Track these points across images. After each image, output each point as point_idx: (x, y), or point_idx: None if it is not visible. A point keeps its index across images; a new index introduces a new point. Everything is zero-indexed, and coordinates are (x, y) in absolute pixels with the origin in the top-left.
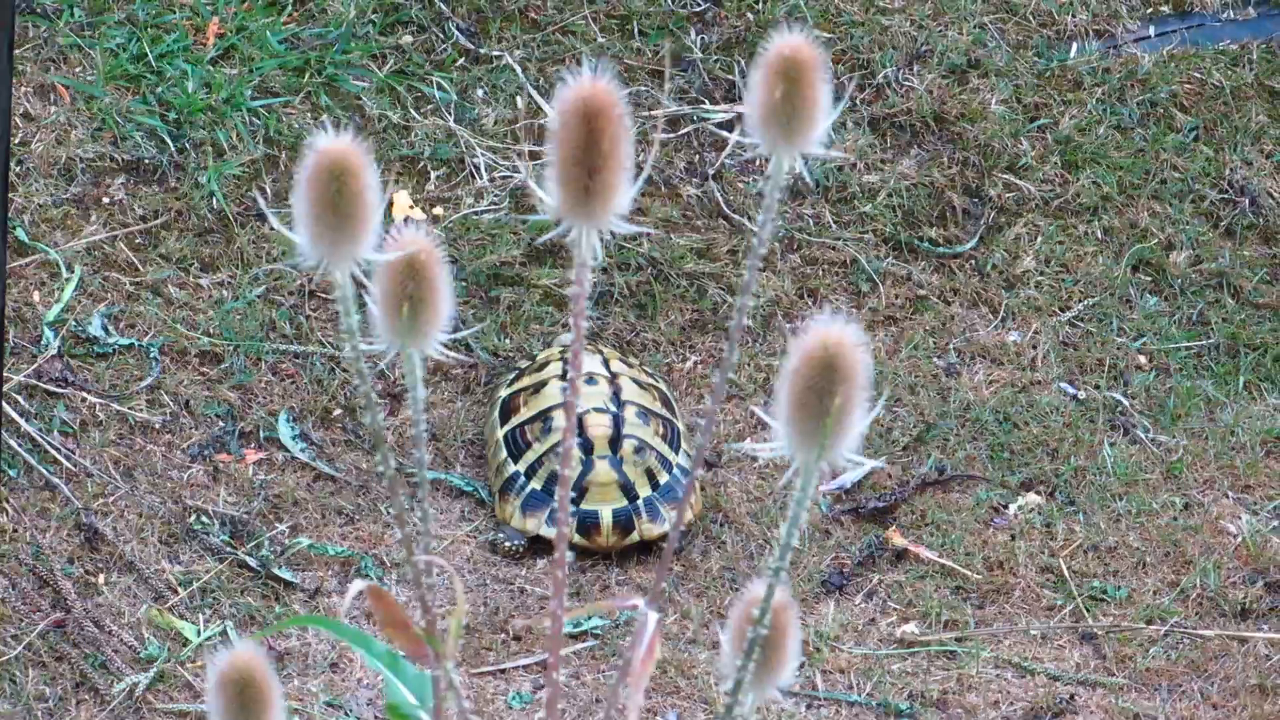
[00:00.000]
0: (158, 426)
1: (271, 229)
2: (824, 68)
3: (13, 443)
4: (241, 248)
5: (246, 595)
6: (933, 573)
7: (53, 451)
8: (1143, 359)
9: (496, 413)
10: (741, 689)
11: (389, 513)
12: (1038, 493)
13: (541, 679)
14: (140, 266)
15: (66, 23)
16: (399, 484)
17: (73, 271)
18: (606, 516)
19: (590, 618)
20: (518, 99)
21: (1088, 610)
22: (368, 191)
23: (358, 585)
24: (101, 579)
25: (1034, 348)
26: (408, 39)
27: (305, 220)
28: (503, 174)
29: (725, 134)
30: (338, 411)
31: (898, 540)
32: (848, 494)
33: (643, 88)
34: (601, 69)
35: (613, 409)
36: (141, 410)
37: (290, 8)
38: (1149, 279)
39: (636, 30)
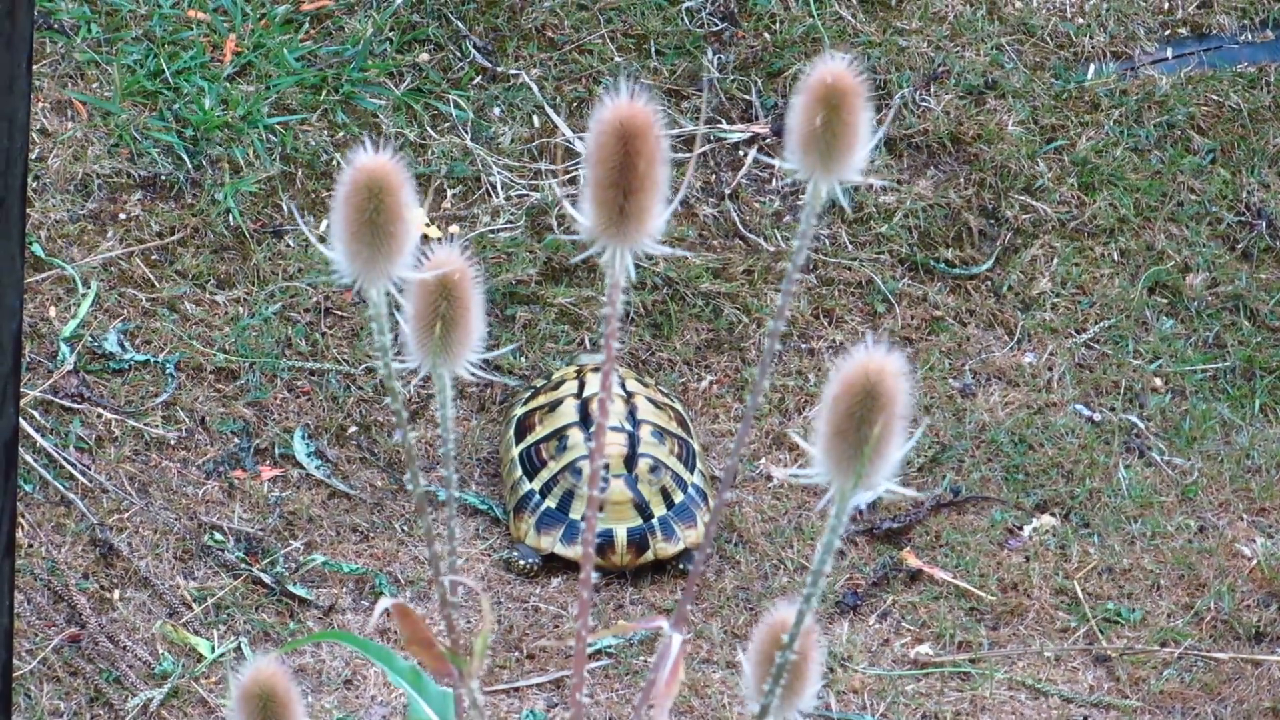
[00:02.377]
0: (173, 443)
1: (288, 246)
2: (865, 94)
3: (29, 458)
4: (258, 264)
5: (261, 612)
6: (947, 594)
7: (68, 467)
8: (1158, 381)
9: (512, 431)
10: (768, 713)
11: (403, 530)
12: (1052, 514)
13: (555, 697)
14: (156, 283)
15: (84, 39)
16: (425, 503)
17: (89, 287)
18: (621, 535)
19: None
20: (534, 118)
21: (1102, 632)
22: (405, 209)
23: (384, 603)
24: (116, 594)
25: (1050, 369)
26: (425, 57)
27: (342, 237)
28: (519, 192)
29: (742, 154)
30: (353, 429)
31: (912, 561)
32: (862, 515)
33: (660, 107)
34: (639, 91)
35: (628, 428)
36: (157, 426)
37: (307, 25)
38: (1165, 301)
39: (654, 50)
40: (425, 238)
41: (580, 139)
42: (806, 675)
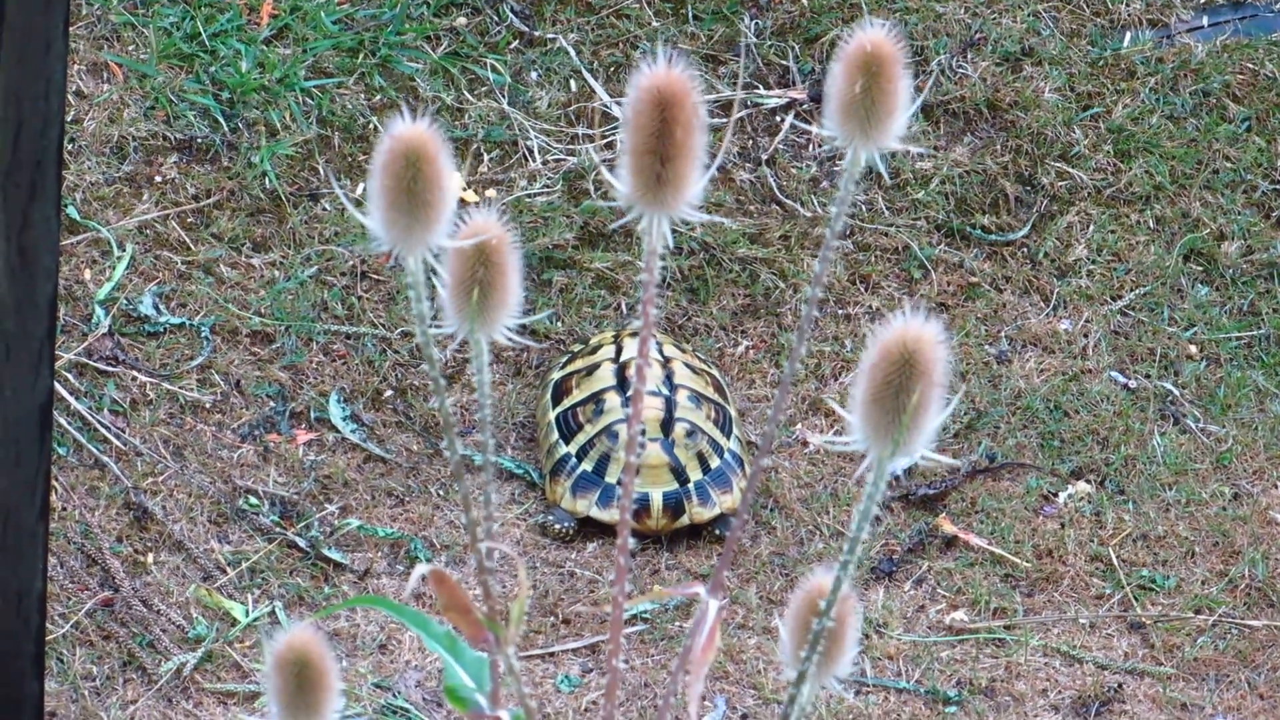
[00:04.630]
0: (208, 406)
1: (324, 209)
2: (904, 61)
3: (63, 421)
4: (294, 228)
5: (295, 576)
6: (982, 560)
7: (102, 430)
8: (1193, 348)
9: (549, 395)
10: (806, 679)
11: (439, 494)
12: (1088, 481)
13: (589, 662)
14: (192, 246)
15: (120, 1)
16: (463, 469)
17: (124, 250)
18: (657, 499)
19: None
20: (571, 82)
21: (1136, 599)
22: (443, 178)
23: (421, 569)
24: (150, 558)
25: (1085, 336)
26: (462, 21)
27: (379, 205)
28: (556, 157)
29: (779, 119)
30: (389, 393)
31: (947, 527)
32: (898, 481)
33: (697, 73)
34: (676, 57)
35: (665, 392)
36: (192, 390)
37: None
38: (1200, 269)
39: (691, 15)
40: (463, 202)
41: (618, 104)
42: (844, 641)
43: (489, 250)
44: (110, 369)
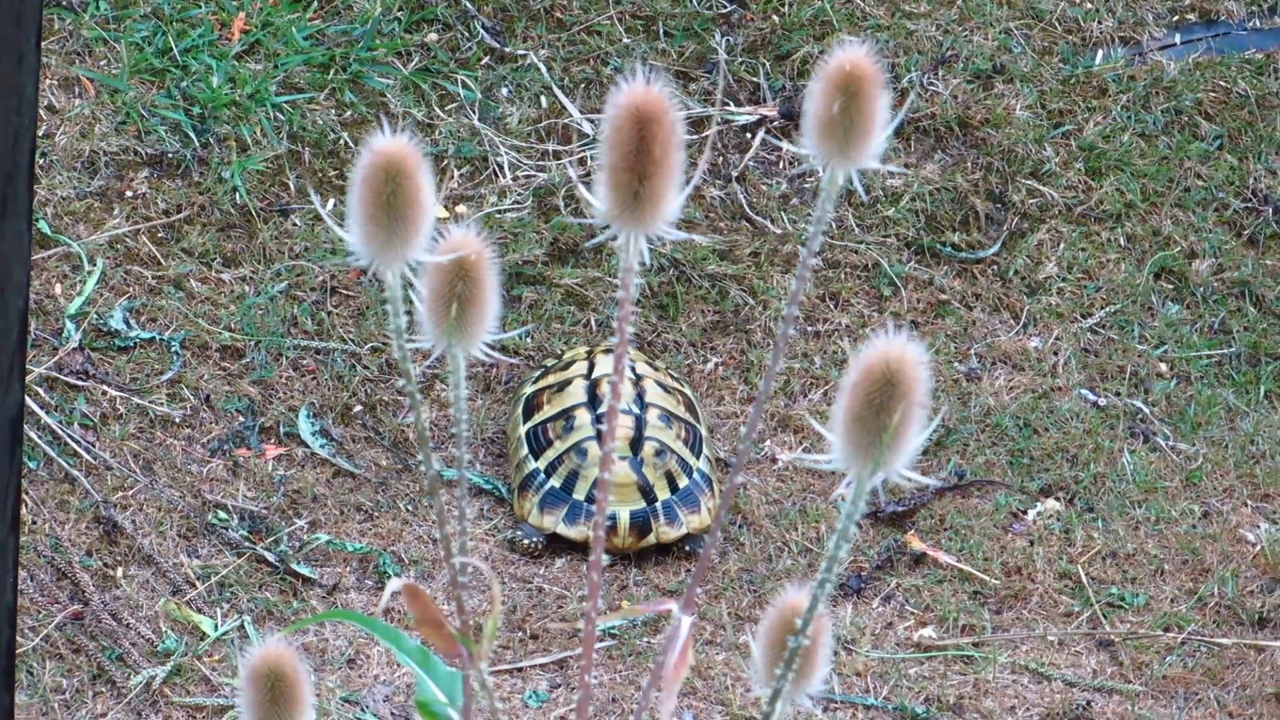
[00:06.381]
0: (178, 421)
1: (295, 224)
2: (883, 81)
3: (33, 435)
4: (264, 243)
5: (264, 590)
6: (951, 577)
7: (73, 444)
8: (1164, 367)
9: (520, 410)
10: (780, 698)
11: (408, 509)
12: (1057, 499)
13: (558, 678)
14: (162, 260)
15: (92, 16)
16: (439, 485)
17: (95, 264)
18: (624, 518)
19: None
20: (542, 98)
21: (1105, 617)
22: (422, 193)
23: (395, 584)
24: (120, 572)
25: (1055, 354)
26: (433, 37)
27: (358, 219)
28: (526, 173)
29: (750, 136)
30: (358, 408)
31: (916, 544)
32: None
33: (667, 89)
34: (654, 76)
35: (635, 410)
36: (162, 404)
37: (316, 4)
38: (1171, 287)
39: (662, 31)
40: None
41: (589, 120)
42: (816, 659)
43: (468, 265)
44: (80, 383)
